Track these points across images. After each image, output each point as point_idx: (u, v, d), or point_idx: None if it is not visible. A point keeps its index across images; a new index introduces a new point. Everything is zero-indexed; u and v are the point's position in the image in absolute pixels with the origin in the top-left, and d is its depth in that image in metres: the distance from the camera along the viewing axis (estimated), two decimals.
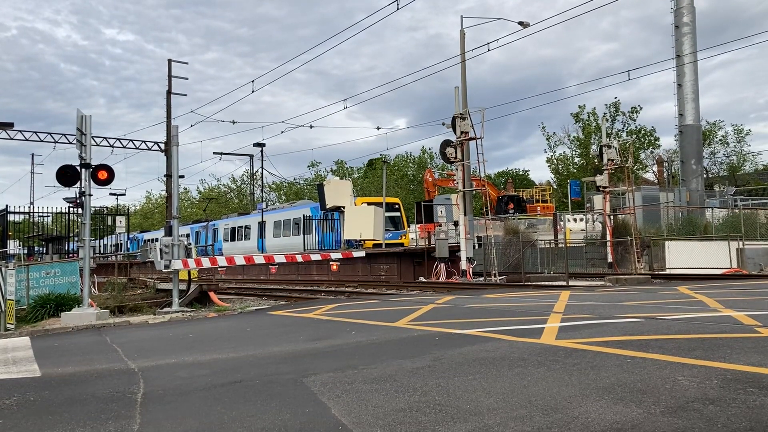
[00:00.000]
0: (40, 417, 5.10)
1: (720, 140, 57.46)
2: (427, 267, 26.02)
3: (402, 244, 32.18)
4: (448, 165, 26.31)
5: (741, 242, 22.62)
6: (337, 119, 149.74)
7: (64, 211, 28.56)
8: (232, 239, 43.92)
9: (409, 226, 36.34)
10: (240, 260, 17.28)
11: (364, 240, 29.65)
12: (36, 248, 39.45)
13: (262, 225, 40.13)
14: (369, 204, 31.68)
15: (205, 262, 16.49)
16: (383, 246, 29.58)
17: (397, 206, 35.31)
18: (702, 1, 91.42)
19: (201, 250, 43.94)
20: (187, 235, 48.62)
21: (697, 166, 36.42)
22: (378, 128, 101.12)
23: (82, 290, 14.25)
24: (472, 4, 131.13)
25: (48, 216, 32.79)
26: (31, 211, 35.26)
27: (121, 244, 40.42)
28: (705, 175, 47.66)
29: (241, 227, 43.50)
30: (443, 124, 25.39)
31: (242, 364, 7.03)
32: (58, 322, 13.00)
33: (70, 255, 27.06)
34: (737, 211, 28.46)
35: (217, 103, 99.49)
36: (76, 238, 24.91)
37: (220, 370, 6.71)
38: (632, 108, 52.52)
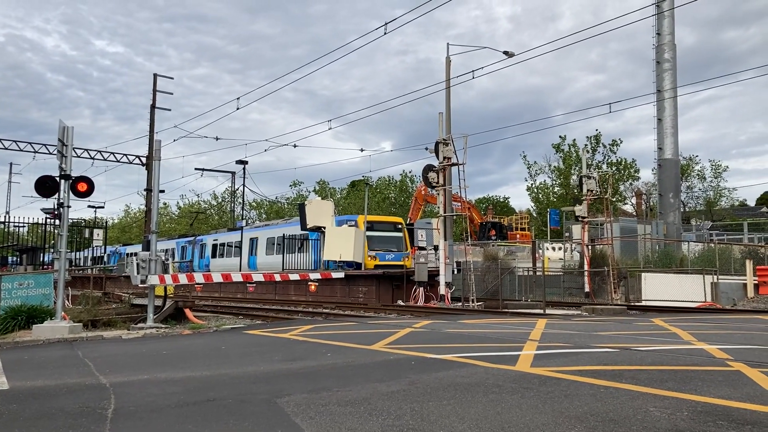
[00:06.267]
0: (7, 431, 5.01)
1: (697, 175, 58.45)
2: (406, 290, 25.99)
3: (404, 266, 30.01)
4: (430, 189, 26.47)
5: (715, 276, 22.92)
6: (322, 139, 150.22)
7: (40, 221, 28.23)
8: (221, 255, 42.10)
9: (411, 248, 33.80)
10: (218, 278, 17.17)
11: (346, 261, 29.26)
12: (10, 259, 38.88)
13: (253, 242, 38.42)
14: (372, 222, 30.77)
15: (182, 279, 16.35)
16: (362, 267, 29.51)
17: (399, 226, 32.97)
18: (689, 37, 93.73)
19: (185, 266, 43.12)
20: (172, 250, 47.42)
21: (674, 199, 36.94)
22: (362, 150, 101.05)
23: (55, 303, 14.04)
24: (462, 30, 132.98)
25: (24, 226, 32.35)
26: (7, 220, 34.76)
27: (99, 257, 39.65)
28: (682, 209, 48.35)
29: (231, 243, 41.48)
30: (426, 149, 25.60)
31: (216, 382, 6.97)
32: (29, 334, 12.78)
33: (45, 266, 26.70)
34: (713, 245, 28.90)
35: (203, 118, 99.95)
36: (51, 250, 24.57)
37: (193, 387, 6.65)
38: (612, 141, 53.40)
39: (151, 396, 6.25)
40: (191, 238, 47.30)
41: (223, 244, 42.66)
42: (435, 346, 9.42)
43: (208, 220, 70.87)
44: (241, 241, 39.34)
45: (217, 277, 17.15)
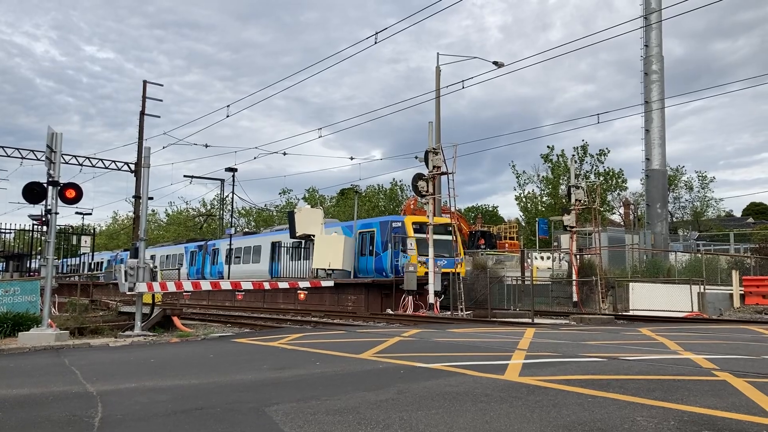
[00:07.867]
0: None
1: (684, 185, 58.94)
2: (395, 299, 25.99)
3: (458, 274, 25.97)
4: (420, 198, 26.52)
5: (702, 286, 23.06)
6: (313, 147, 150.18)
7: (27, 228, 28.02)
8: (236, 262, 38.77)
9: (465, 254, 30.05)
10: (206, 286, 17.14)
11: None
12: None
13: (276, 246, 35.22)
14: (420, 224, 27.74)
15: (171, 286, 16.28)
16: (352, 276, 29.46)
17: (450, 228, 28.60)
18: (678, 48, 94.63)
19: (195, 271, 41.68)
20: (180, 256, 45.02)
21: (662, 209, 37.18)
22: (352, 158, 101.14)
23: (41, 310, 13.93)
24: (453, 40, 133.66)
25: (10, 232, 32.08)
26: None
27: (89, 263, 38.79)
28: (670, 219, 48.68)
29: (249, 248, 38.21)
30: (416, 157, 25.68)
31: (204, 391, 6.94)
32: (14, 341, 12.67)
33: (32, 273, 26.49)
34: (699, 255, 29.09)
35: (193, 125, 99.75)
36: (38, 257, 24.38)
37: (181, 396, 6.62)
38: (600, 151, 53.74)
39: (139, 404, 6.21)
40: (202, 243, 44.79)
41: (240, 249, 39.44)
42: (424, 355, 9.43)
43: (196, 227, 70.60)
44: (274, 245, 35.96)
45: (205, 285, 17.11)
